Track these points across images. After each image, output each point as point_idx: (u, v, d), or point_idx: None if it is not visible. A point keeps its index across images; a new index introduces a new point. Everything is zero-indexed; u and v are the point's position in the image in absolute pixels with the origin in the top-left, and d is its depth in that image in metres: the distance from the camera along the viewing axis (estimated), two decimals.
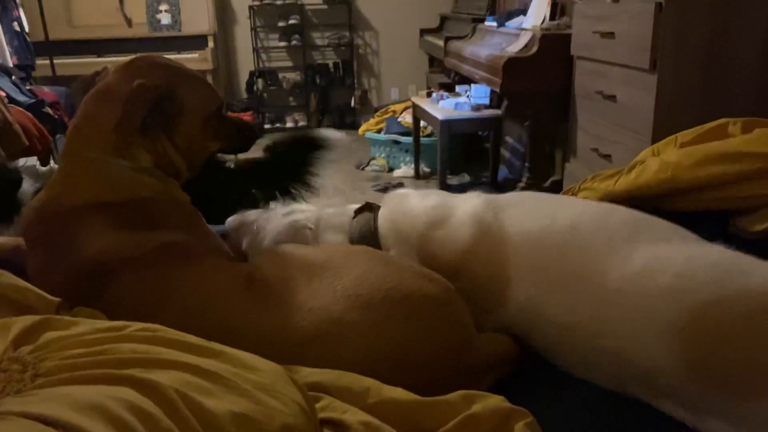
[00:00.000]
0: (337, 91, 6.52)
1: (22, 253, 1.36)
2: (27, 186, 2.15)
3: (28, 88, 3.82)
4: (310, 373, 0.85)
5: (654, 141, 2.01)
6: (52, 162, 3.08)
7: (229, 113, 1.35)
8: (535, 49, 3.24)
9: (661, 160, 1.57)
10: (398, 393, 0.82)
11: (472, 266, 1.09)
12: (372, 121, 5.24)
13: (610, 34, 2.56)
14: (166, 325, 0.92)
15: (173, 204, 1.17)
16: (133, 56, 1.22)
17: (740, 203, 1.45)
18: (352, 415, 0.74)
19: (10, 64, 4.21)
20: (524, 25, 3.77)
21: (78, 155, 1.12)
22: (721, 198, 1.46)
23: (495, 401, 0.80)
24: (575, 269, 0.99)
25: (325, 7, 6.29)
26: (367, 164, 4.83)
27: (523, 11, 3.99)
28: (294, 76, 6.49)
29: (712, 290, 0.88)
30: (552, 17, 3.62)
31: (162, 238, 1.06)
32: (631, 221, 1.07)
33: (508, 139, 4.49)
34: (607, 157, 2.65)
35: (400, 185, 4.36)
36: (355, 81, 6.53)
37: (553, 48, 3.18)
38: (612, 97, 2.60)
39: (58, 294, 1.01)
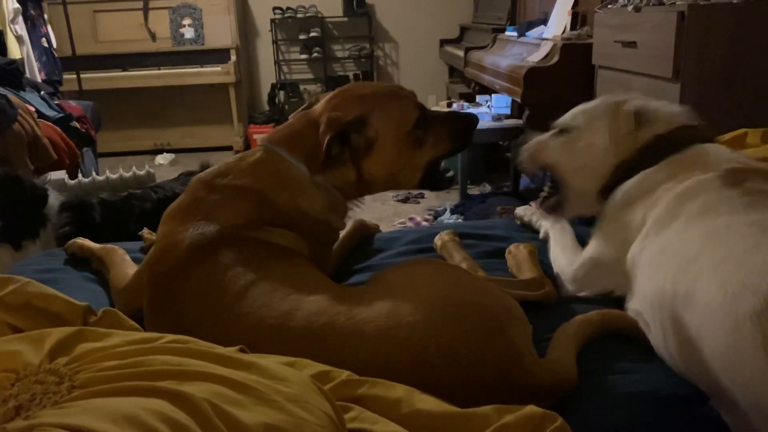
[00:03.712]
0: None
1: (110, 257, 1.44)
2: (53, 200, 2.19)
3: (56, 102, 3.88)
4: (344, 381, 0.85)
5: None
6: (80, 175, 3.12)
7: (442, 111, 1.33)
8: (556, 58, 3.24)
9: None
10: (431, 404, 0.82)
11: None
12: None
13: (632, 44, 2.55)
14: (254, 296, 1.01)
15: (319, 224, 1.24)
16: (340, 88, 1.30)
17: None
18: (383, 426, 0.74)
19: (39, 80, 4.29)
20: (545, 35, 3.76)
21: (273, 151, 1.23)
22: None
23: (527, 410, 0.80)
24: None
25: (346, 19, 6.34)
26: None
27: (544, 21, 3.99)
28: (315, 88, 6.52)
29: None
30: (573, 27, 3.61)
31: (282, 242, 1.16)
32: None
33: None
34: None
35: (420, 195, 4.37)
36: None
37: (574, 58, 3.18)
38: None
39: (172, 252, 1.12)
